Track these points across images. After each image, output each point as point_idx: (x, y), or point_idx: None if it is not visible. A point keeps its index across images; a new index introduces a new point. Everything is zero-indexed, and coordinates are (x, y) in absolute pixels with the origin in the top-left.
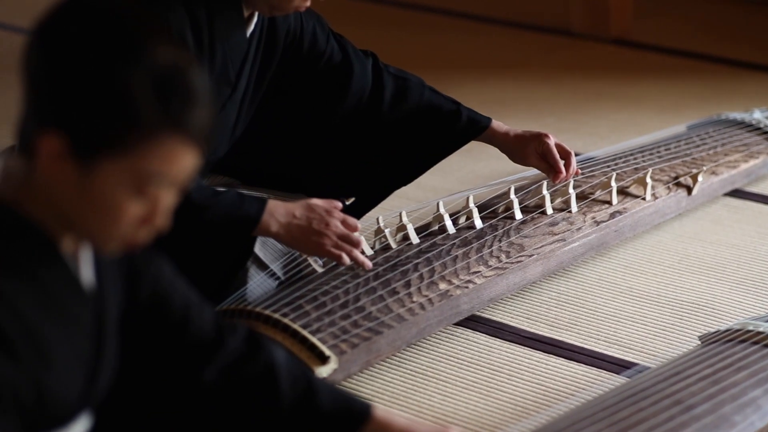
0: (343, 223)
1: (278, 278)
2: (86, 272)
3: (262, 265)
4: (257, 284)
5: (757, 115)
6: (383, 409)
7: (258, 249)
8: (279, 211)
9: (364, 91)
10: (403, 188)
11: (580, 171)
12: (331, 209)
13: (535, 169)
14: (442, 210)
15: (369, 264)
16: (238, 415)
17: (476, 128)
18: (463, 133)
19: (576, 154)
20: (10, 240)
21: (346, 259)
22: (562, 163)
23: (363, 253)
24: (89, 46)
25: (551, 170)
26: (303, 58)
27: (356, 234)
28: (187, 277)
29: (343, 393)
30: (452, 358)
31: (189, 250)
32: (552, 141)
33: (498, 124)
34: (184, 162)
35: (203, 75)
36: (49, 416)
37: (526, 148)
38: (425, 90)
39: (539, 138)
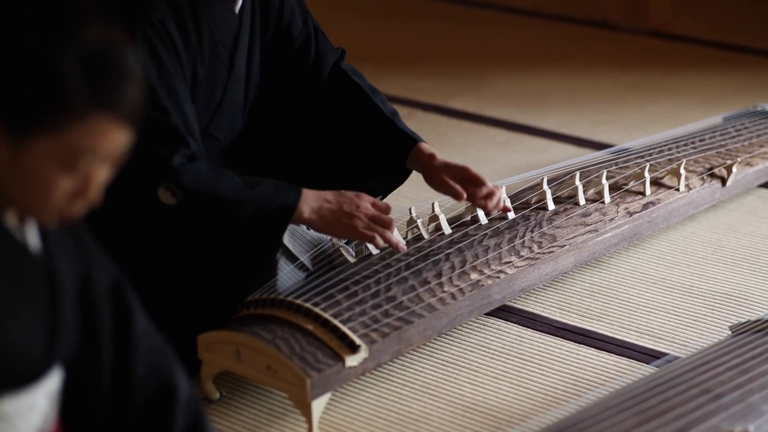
0: (374, 205)
1: (307, 269)
2: (33, 239)
3: (292, 257)
4: (287, 275)
5: None
6: None
7: (287, 240)
8: (310, 196)
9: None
10: None
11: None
12: (360, 194)
13: (569, 161)
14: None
15: (403, 244)
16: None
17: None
18: (393, 145)
19: (611, 146)
20: None
21: (380, 241)
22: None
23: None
24: (21, 24)
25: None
26: (283, 31)
27: (388, 216)
28: (215, 272)
29: None
30: (483, 348)
31: (217, 245)
32: (475, 171)
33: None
34: (114, 139)
35: (135, 53)
36: (15, 373)
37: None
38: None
39: (461, 168)
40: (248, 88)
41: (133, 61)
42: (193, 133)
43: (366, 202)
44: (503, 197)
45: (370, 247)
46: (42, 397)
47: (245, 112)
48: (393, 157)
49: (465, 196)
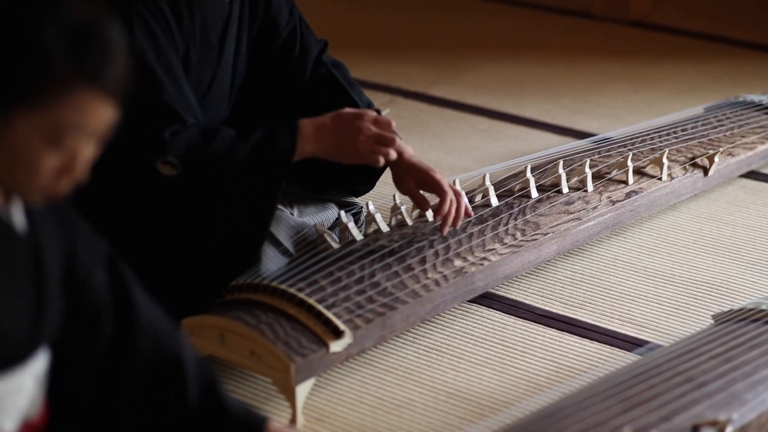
0: (375, 123)
1: (291, 255)
2: (18, 219)
3: (275, 242)
4: (270, 260)
5: None
6: (276, 422)
7: (272, 226)
8: (308, 128)
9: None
10: None
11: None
12: (360, 113)
13: (551, 149)
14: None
15: (393, 155)
16: (144, 403)
17: None
18: None
19: (592, 135)
20: None
21: (382, 161)
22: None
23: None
24: (2, 1)
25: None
26: (271, 22)
27: (390, 133)
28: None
29: (241, 402)
30: (466, 335)
31: (227, 194)
32: (438, 176)
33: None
34: (100, 115)
35: (118, 28)
36: (0, 354)
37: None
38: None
39: (425, 172)
40: (234, 77)
41: (117, 36)
42: (193, 109)
43: (367, 122)
44: (464, 204)
45: (354, 232)
46: (29, 379)
47: (230, 101)
48: None
49: (429, 209)
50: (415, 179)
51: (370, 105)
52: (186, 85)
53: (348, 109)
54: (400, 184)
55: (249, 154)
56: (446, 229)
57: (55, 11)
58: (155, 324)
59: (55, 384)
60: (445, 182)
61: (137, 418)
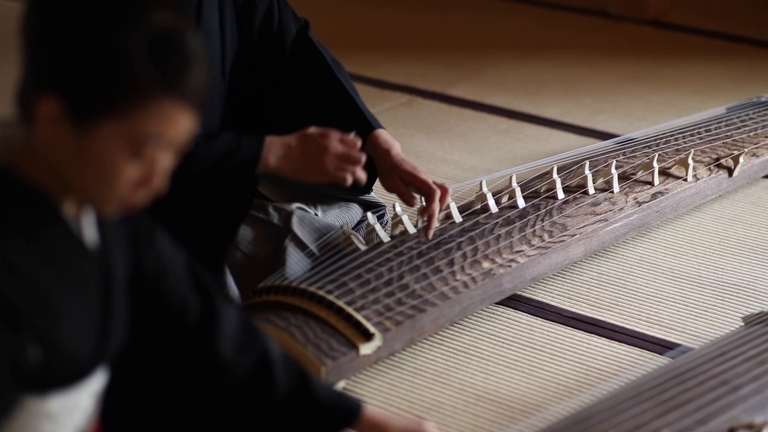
0: (341, 142)
1: (317, 257)
2: (89, 232)
3: (301, 244)
4: (296, 263)
5: None
6: (372, 407)
7: (296, 227)
8: (275, 144)
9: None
10: (443, 168)
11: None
12: (326, 132)
13: (576, 150)
14: (485, 189)
15: (361, 174)
16: (233, 404)
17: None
18: (350, 127)
19: (614, 135)
20: (8, 203)
21: (350, 179)
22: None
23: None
24: (86, 9)
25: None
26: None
27: (357, 152)
28: (189, 234)
29: (334, 388)
30: (494, 337)
31: (190, 202)
32: (423, 176)
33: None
34: (180, 124)
35: (200, 38)
36: (65, 371)
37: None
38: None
39: (411, 175)
40: (224, 48)
41: (198, 45)
42: None
43: (333, 140)
44: (446, 202)
45: (381, 234)
46: (86, 397)
47: (224, 73)
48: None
49: (417, 203)
50: (400, 177)
51: (356, 92)
52: None
53: (313, 129)
54: (386, 180)
55: (211, 155)
56: (430, 233)
57: (138, 20)
58: (239, 330)
59: (110, 399)
60: (431, 181)
61: (225, 415)
